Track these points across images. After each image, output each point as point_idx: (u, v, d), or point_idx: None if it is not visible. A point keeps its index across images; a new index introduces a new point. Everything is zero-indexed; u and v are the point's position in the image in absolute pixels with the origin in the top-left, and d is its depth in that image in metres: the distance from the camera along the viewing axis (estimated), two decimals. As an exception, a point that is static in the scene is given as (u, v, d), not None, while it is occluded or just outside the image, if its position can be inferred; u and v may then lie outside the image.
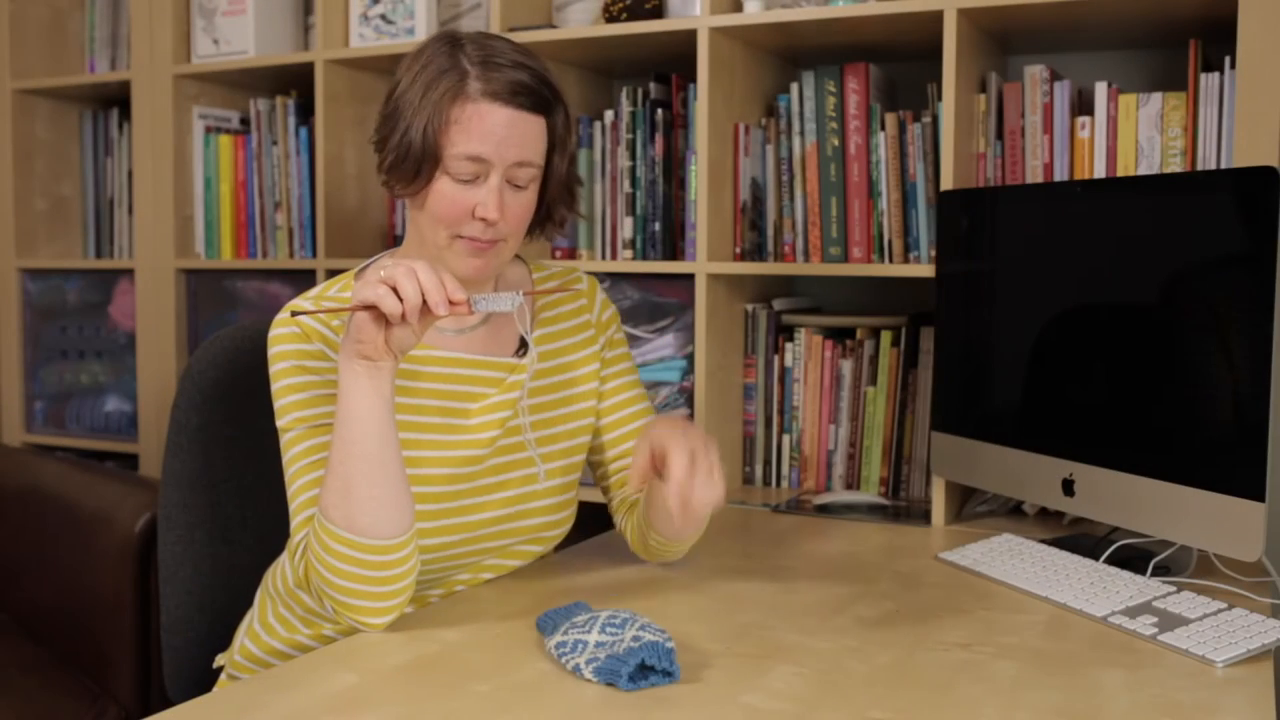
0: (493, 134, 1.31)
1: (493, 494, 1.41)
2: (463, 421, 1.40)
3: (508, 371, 1.43)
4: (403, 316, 1.17)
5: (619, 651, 1.13)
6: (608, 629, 1.17)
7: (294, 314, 1.25)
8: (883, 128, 1.97)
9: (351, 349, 1.21)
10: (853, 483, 2.06)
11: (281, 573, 1.43)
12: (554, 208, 1.44)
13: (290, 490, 1.33)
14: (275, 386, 1.34)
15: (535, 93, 1.34)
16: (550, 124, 1.37)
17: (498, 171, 1.32)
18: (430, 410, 1.39)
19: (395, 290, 1.17)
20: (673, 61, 2.15)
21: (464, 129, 1.31)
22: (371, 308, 1.18)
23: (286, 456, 1.33)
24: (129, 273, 2.62)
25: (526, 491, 1.43)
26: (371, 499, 1.22)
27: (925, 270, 1.88)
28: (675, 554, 1.52)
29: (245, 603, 1.57)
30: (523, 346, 1.46)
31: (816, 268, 2.00)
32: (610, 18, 2.08)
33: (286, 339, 1.34)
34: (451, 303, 1.18)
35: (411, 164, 1.33)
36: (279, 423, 1.34)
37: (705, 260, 1.98)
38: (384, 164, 1.37)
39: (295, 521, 1.31)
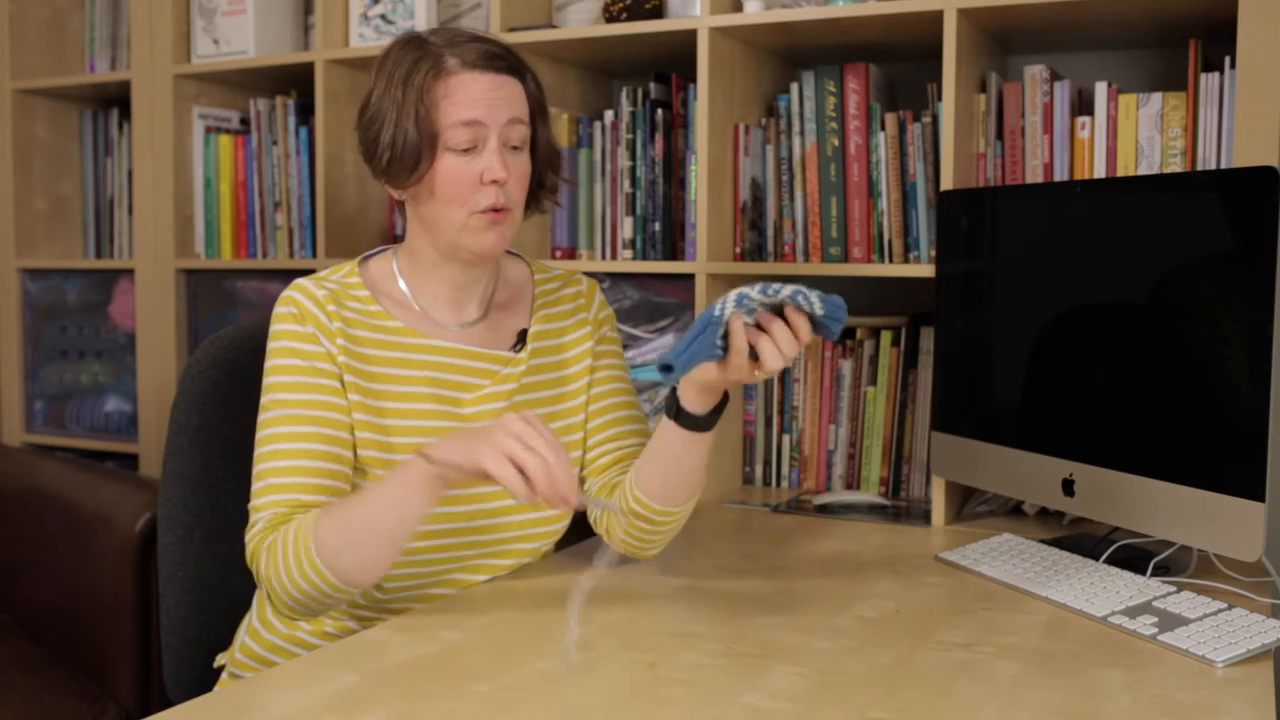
0: (482, 98, 1.35)
1: (487, 486, 1.40)
2: (455, 409, 1.41)
3: (501, 364, 1.45)
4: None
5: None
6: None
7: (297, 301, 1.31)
8: (883, 128, 1.97)
9: (435, 473, 1.24)
10: (853, 483, 2.06)
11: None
12: (544, 173, 1.46)
13: (258, 468, 1.34)
14: (268, 364, 1.37)
15: (505, 58, 1.39)
16: (526, 87, 1.41)
17: (495, 133, 1.35)
18: (422, 397, 1.40)
19: (522, 469, 1.19)
20: (673, 61, 2.15)
21: (453, 101, 1.34)
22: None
23: (261, 434, 1.35)
24: (129, 273, 2.61)
25: None
26: (369, 568, 1.27)
27: (925, 270, 1.88)
28: (649, 544, 1.47)
29: (245, 602, 1.57)
30: (519, 341, 1.48)
31: (816, 268, 2.00)
32: (610, 18, 2.08)
33: (285, 318, 1.38)
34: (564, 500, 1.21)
35: (411, 153, 1.35)
36: (263, 399, 1.37)
37: (705, 260, 1.98)
38: (381, 164, 1.38)
39: (257, 501, 1.33)
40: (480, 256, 1.40)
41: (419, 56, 1.36)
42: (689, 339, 1.25)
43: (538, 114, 1.43)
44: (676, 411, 1.34)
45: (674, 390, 1.35)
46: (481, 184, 1.35)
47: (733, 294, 1.26)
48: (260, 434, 1.36)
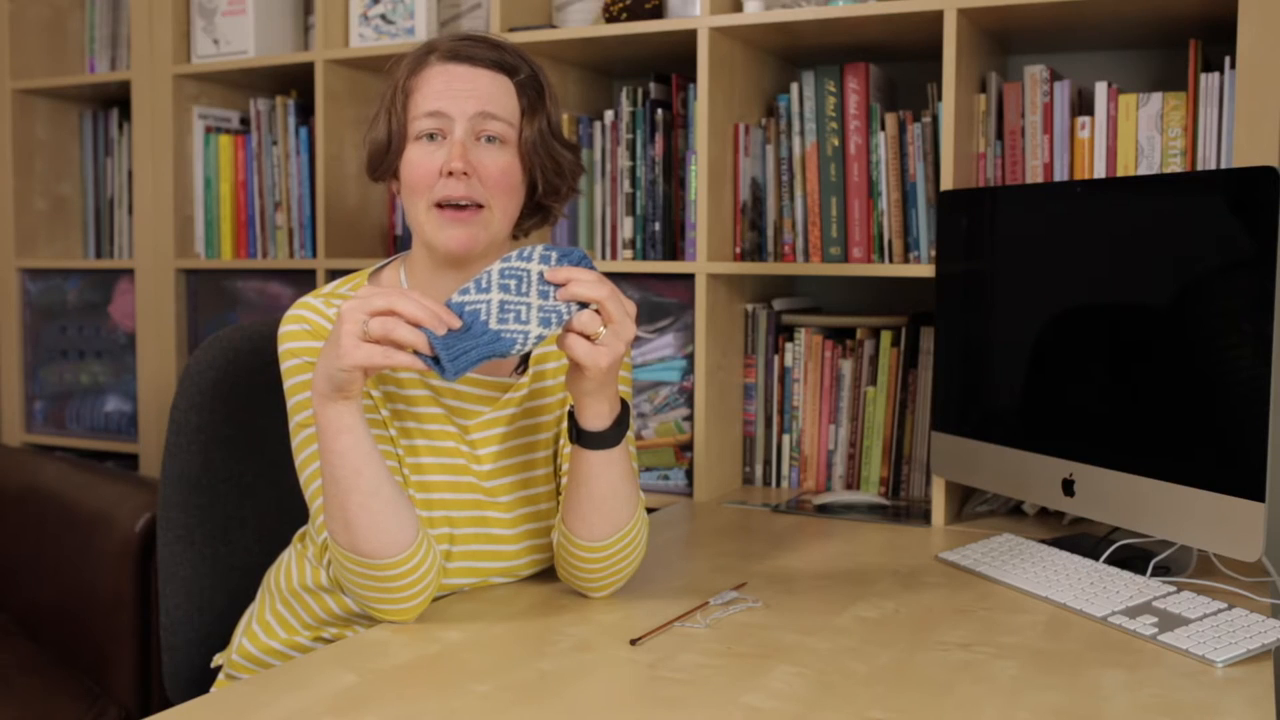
0: (449, 88, 1.33)
1: (491, 511, 1.38)
2: (464, 434, 1.38)
3: (501, 390, 1.41)
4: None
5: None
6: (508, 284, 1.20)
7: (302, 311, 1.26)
8: (883, 128, 1.97)
9: (334, 393, 1.19)
10: (853, 483, 2.06)
11: (286, 570, 1.43)
12: (537, 176, 1.37)
13: (309, 491, 1.33)
14: (289, 383, 1.34)
15: (495, 53, 1.35)
16: (518, 85, 1.36)
17: (460, 125, 1.32)
18: (437, 418, 1.37)
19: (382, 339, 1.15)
20: (673, 61, 2.15)
21: (422, 93, 1.33)
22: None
23: (301, 456, 1.33)
24: (129, 273, 2.62)
25: (530, 511, 1.40)
26: (371, 526, 1.23)
27: (925, 270, 1.88)
28: (585, 583, 1.38)
29: (245, 603, 1.57)
30: (522, 364, 1.43)
31: (816, 268, 2.00)
32: (610, 18, 2.08)
33: (297, 335, 1.34)
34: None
35: (382, 143, 1.36)
36: (294, 419, 1.34)
37: (705, 260, 1.98)
38: (365, 158, 1.40)
39: (315, 513, 1.32)
40: (448, 256, 1.34)
41: (413, 55, 1.36)
42: (475, 337, 1.18)
43: (530, 114, 1.36)
44: (578, 433, 1.28)
45: (572, 414, 1.29)
46: (440, 175, 1.31)
47: (549, 314, 1.19)
48: (301, 455, 1.33)
